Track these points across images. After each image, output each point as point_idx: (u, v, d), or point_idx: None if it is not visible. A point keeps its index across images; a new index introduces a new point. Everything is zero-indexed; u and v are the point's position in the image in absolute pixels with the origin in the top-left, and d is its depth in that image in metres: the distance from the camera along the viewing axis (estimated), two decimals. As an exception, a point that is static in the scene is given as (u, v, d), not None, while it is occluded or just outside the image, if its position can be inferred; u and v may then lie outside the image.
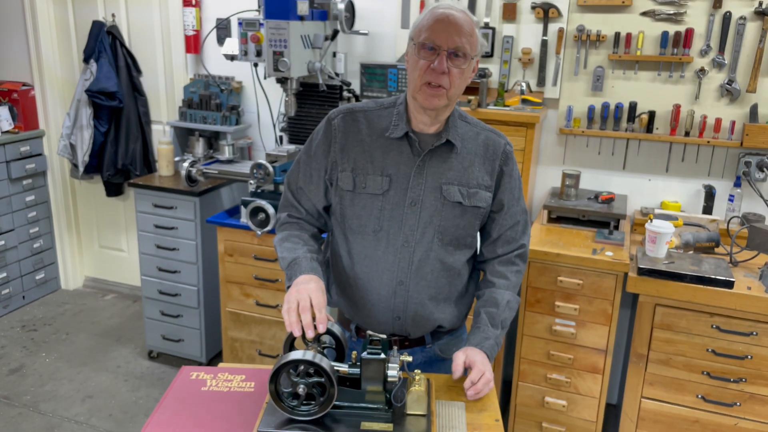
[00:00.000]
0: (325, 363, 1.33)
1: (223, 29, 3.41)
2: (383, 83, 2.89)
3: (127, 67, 3.78)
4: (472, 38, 1.49)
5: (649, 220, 2.43)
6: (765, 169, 2.67)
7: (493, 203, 1.66)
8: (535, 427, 2.72)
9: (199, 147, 3.43)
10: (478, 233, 1.71)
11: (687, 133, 2.73)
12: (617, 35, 2.73)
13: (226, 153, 3.23)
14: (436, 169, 1.59)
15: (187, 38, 3.53)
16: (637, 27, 2.71)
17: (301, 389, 1.35)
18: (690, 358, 2.35)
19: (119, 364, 3.52)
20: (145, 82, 3.87)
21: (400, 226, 1.59)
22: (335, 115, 1.65)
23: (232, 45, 2.95)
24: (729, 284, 2.23)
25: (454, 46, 1.47)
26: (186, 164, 3.08)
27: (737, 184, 2.71)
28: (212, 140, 3.50)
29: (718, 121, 2.68)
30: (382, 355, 1.38)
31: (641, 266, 2.32)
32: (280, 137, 3.25)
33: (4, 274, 4.00)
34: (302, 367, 1.35)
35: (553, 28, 2.83)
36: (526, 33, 2.89)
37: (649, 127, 2.77)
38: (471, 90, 2.93)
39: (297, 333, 1.41)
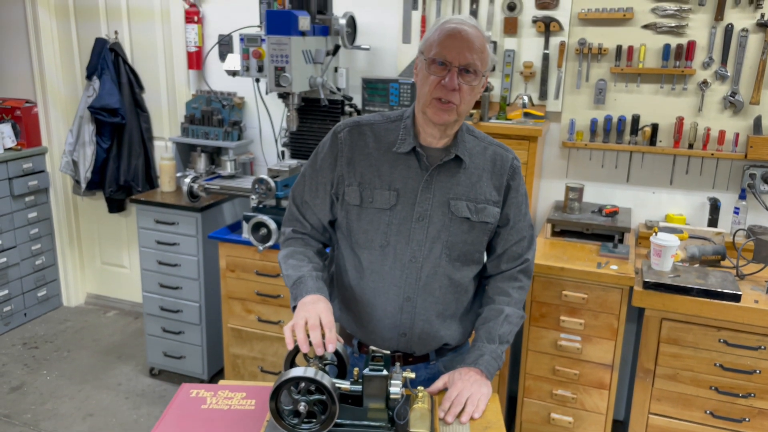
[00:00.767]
0: (326, 380, 1.31)
1: (225, 45, 3.42)
2: (385, 98, 2.88)
3: (130, 83, 3.79)
4: (483, 54, 1.48)
5: (654, 234, 2.41)
6: (770, 181, 2.66)
7: (499, 218, 1.64)
8: (541, 444, 2.69)
9: (201, 163, 3.43)
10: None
11: (691, 146, 2.71)
12: (619, 48, 2.73)
13: (228, 168, 3.23)
14: (444, 184, 1.57)
15: (189, 54, 3.54)
16: (639, 40, 2.71)
17: (302, 407, 1.33)
18: (697, 373, 2.32)
19: (120, 381, 3.49)
20: (148, 99, 3.88)
21: (407, 241, 1.57)
22: (341, 129, 1.63)
23: (234, 61, 2.95)
24: (736, 297, 2.21)
25: (465, 63, 1.45)
26: (188, 180, 3.07)
27: (742, 197, 2.69)
28: (214, 156, 3.50)
29: (722, 133, 2.67)
30: (385, 372, 1.36)
31: (647, 280, 2.30)
32: (282, 152, 3.24)
33: (6, 291, 3.98)
34: (303, 385, 1.33)
35: (554, 41, 2.83)
36: (528, 46, 2.89)
37: (653, 140, 2.76)
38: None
39: (306, 350, 1.38)
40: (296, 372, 1.31)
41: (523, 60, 2.90)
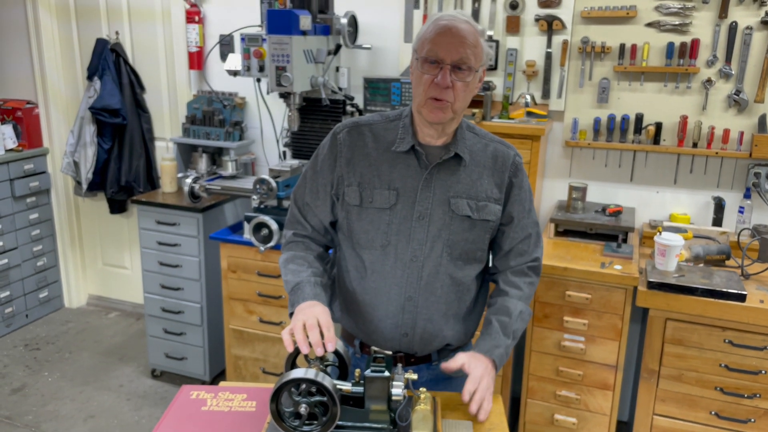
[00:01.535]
0: (327, 381, 1.29)
1: (226, 45, 3.41)
2: (386, 97, 2.87)
3: (131, 84, 3.79)
4: (476, 49, 1.45)
5: (658, 233, 2.39)
6: (775, 180, 2.64)
7: (502, 216, 1.62)
8: (544, 445, 2.67)
9: (203, 163, 3.41)
10: (488, 247, 1.68)
11: (695, 145, 2.69)
12: (622, 46, 2.71)
13: (229, 169, 3.22)
14: (444, 182, 1.56)
15: (191, 55, 3.53)
16: (642, 38, 2.69)
17: (303, 409, 1.31)
18: (702, 374, 2.30)
19: (122, 383, 3.48)
20: (149, 99, 3.88)
21: (408, 240, 1.56)
22: (340, 130, 1.62)
23: (235, 60, 2.94)
24: (741, 297, 2.19)
25: (457, 59, 1.43)
26: (189, 180, 3.06)
27: (747, 196, 2.67)
28: (215, 156, 3.49)
29: (726, 131, 2.65)
30: (387, 373, 1.34)
31: (651, 280, 2.28)
32: (284, 152, 3.23)
33: (8, 293, 3.98)
34: (304, 386, 1.31)
35: (557, 40, 2.82)
36: (530, 45, 2.87)
37: (656, 139, 2.74)
38: (475, 103, 2.92)
39: (306, 350, 1.37)
40: (297, 373, 1.30)
41: (526, 59, 2.88)
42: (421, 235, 1.56)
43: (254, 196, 2.81)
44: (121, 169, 3.84)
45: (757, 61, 2.57)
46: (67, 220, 4.25)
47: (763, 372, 2.22)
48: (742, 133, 2.63)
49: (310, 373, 1.30)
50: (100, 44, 3.75)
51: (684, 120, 2.69)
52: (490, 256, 1.71)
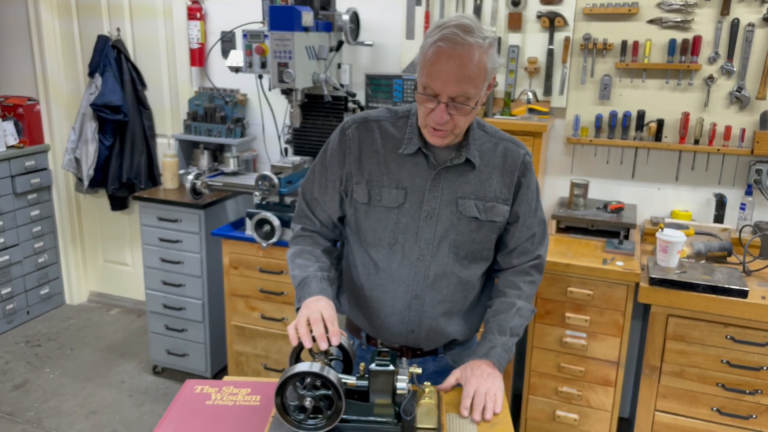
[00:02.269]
0: (332, 375, 1.30)
1: (227, 42, 3.41)
2: (388, 94, 2.87)
3: (132, 81, 3.78)
4: (477, 78, 1.38)
5: (659, 230, 2.39)
6: (776, 177, 2.64)
7: (510, 215, 1.62)
8: (546, 441, 2.67)
9: (204, 160, 3.41)
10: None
11: (696, 141, 2.70)
12: (624, 43, 2.71)
13: (231, 165, 3.22)
14: (453, 183, 1.55)
15: (192, 51, 3.53)
16: (644, 35, 2.69)
17: (308, 402, 1.31)
18: (704, 370, 2.30)
19: (123, 379, 3.48)
20: (150, 96, 3.88)
21: (415, 239, 1.56)
22: (349, 125, 1.61)
23: (237, 57, 2.94)
24: (743, 294, 2.19)
25: (453, 95, 1.38)
26: (191, 177, 3.06)
27: (748, 192, 2.67)
28: (217, 153, 3.49)
29: (728, 128, 2.65)
30: (391, 367, 1.35)
31: (653, 276, 2.28)
32: (285, 149, 3.23)
33: (9, 289, 3.98)
34: (309, 380, 1.32)
35: (559, 36, 2.82)
36: (532, 42, 2.87)
37: (658, 136, 2.74)
38: (477, 100, 2.92)
39: (309, 344, 1.37)
40: (302, 367, 1.30)
41: (528, 55, 2.88)
42: (428, 234, 1.56)
43: (256, 193, 2.81)
44: (122, 165, 3.84)
45: (758, 58, 2.57)
46: (69, 216, 4.25)
47: (765, 368, 2.23)
48: (743, 130, 2.64)
49: (315, 366, 1.30)
50: (102, 41, 3.74)
51: (686, 117, 2.69)
52: (497, 253, 1.71)
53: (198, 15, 3.45)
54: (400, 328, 1.61)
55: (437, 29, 1.39)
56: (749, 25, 2.55)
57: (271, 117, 3.36)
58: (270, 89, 2.80)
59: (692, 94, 2.69)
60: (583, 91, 2.83)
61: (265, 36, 2.71)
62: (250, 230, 2.81)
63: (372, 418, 1.36)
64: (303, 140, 3.09)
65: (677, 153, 2.79)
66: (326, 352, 1.43)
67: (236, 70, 2.95)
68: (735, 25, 2.56)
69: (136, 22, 3.82)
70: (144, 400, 3.29)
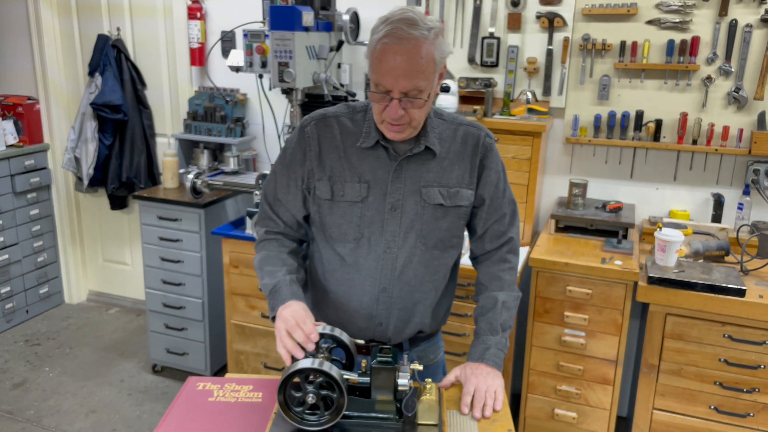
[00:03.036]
0: (334, 371, 1.31)
1: (227, 41, 3.42)
2: (388, 94, 2.87)
3: (132, 80, 3.79)
4: (426, 70, 1.38)
5: (658, 229, 2.41)
6: (774, 177, 2.66)
7: (475, 198, 1.61)
8: (544, 439, 2.68)
9: (204, 159, 3.42)
10: (466, 231, 1.68)
11: (694, 142, 2.71)
12: (623, 44, 2.73)
13: (231, 165, 3.23)
14: (415, 172, 1.55)
15: (192, 51, 3.53)
16: (643, 35, 2.70)
17: (310, 399, 1.32)
18: (702, 369, 2.32)
19: (123, 378, 3.49)
20: (150, 95, 3.88)
21: (381, 232, 1.56)
22: (308, 122, 1.60)
23: (237, 56, 2.95)
24: (740, 293, 2.20)
25: (404, 90, 1.38)
26: (191, 176, 3.07)
27: (746, 192, 2.69)
28: (217, 152, 3.50)
29: (726, 128, 2.66)
30: (393, 364, 1.36)
31: (651, 275, 2.30)
32: (285, 148, 3.23)
33: (8, 288, 3.98)
34: (311, 376, 1.33)
35: (558, 37, 2.83)
36: (531, 42, 2.88)
37: (656, 136, 2.76)
38: (476, 99, 2.94)
39: (300, 355, 1.37)
40: (304, 363, 1.31)
41: (527, 56, 2.89)
42: (393, 226, 1.55)
43: (256, 192, 2.82)
44: (122, 165, 3.85)
45: (756, 58, 2.59)
46: (68, 216, 4.25)
47: (762, 367, 2.24)
48: (741, 130, 2.65)
49: (318, 363, 1.31)
50: (102, 40, 3.75)
51: (684, 117, 2.70)
52: (467, 240, 1.71)
53: (198, 14, 3.46)
54: (368, 321, 1.61)
55: (382, 25, 1.39)
56: (747, 26, 2.56)
57: (271, 116, 3.37)
58: (270, 89, 2.81)
59: (690, 94, 2.71)
60: (582, 92, 2.85)
61: (266, 36, 2.72)
62: (250, 229, 2.82)
63: (373, 414, 1.38)
64: (303, 140, 3.09)
65: (675, 153, 2.81)
66: (328, 349, 1.44)
67: (236, 69, 2.96)
68: (733, 25, 2.58)
69: (136, 21, 3.82)
70: (143, 399, 3.30)
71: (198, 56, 3.54)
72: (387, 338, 1.64)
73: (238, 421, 1.42)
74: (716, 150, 2.68)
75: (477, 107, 2.78)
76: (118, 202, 4.06)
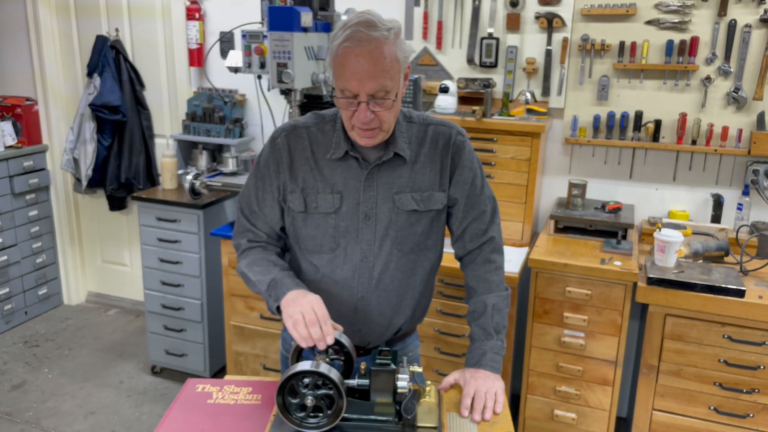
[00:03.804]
0: (334, 374, 1.30)
1: (226, 42, 3.41)
2: (387, 94, 2.87)
3: (131, 81, 3.79)
4: (391, 70, 1.37)
5: (657, 230, 2.40)
6: (773, 177, 2.65)
7: (449, 199, 1.60)
8: (544, 440, 2.68)
9: (203, 160, 3.42)
10: (446, 229, 1.67)
11: (694, 142, 2.71)
12: (622, 44, 2.73)
13: (230, 165, 3.22)
14: (386, 180, 1.54)
15: (191, 52, 3.53)
16: (642, 36, 2.70)
17: (309, 401, 1.32)
18: (701, 369, 2.32)
19: (122, 379, 3.48)
20: (149, 96, 3.88)
21: (356, 241, 1.55)
22: (278, 134, 1.58)
23: (236, 57, 2.94)
24: (740, 293, 2.20)
25: (371, 92, 1.37)
26: (189, 177, 3.07)
27: (746, 193, 2.69)
28: (216, 153, 3.49)
29: (725, 129, 2.66)
30: (392, 366, 1.35)
31: (650, 276, 2.30)
32: (284, 149, 3.23)
33: (7, 290, 3.98)
34: (310, 379, 1.32)
35: (557, 37, 2.83)
36: (530, 43, 2.88)
37: (656, 136, 2.76)
38: (475, 100, 2.94)
39: (307, 345, 1.36)
40: (304, 366, 1.31)
41: (526, 56, 2.89)
42: (368, 235, 1.54)
43: (255, 193, 2.81)
44: (120, 166, 3.84)
45: (755, 58, 2.59)
46: (67, 217, 4.25)
47: (762, 367, 2.24)
48: (740, 131, 2.65)
49: (317, 365, 1.31)
50: (100, 41, 3.75)
51: (683, 117, 2.70)
52: (450, 239, 1.69)
53: (197, 15, 3.46)
54: (347, 328, 1.57)
55: (341, 30, 1.39)
56: (746, 26, 2.56)
57: (269, 117, 3.37)
58: (269, 89, 2.81)
59: (689, 94, 2.70)
60: (581, 92, 2.84)
61: (264, 36, 2.72)
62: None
63: (373, 417, 1.37)
64: (302, 140, 3.09)
65: (675, 153, 2.81)
66: (327, 351, 1.43)
67: (235, 70, 2.95)
68: (732, 26, 2.57)
69: (134, 22, 3.82)
70: (143, 400, 3.29)
71: (197, 57, 3.53)
72: (366, 342, 1.64)
73: (237, 424, 1.42)
74: (715, 150, 2.68)
75: (476, 108, 2.78)
76: (116, 203, 4.05)
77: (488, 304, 1.61)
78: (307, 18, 2.67)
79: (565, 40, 2.81)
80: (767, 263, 2.41)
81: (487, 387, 1.49)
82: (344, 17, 2.89)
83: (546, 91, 2.89)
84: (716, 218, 2.75)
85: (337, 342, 1.43)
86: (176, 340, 3.39)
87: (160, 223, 3.25)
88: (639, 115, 2.77)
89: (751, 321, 2.21)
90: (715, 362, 2.29)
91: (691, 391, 2.35)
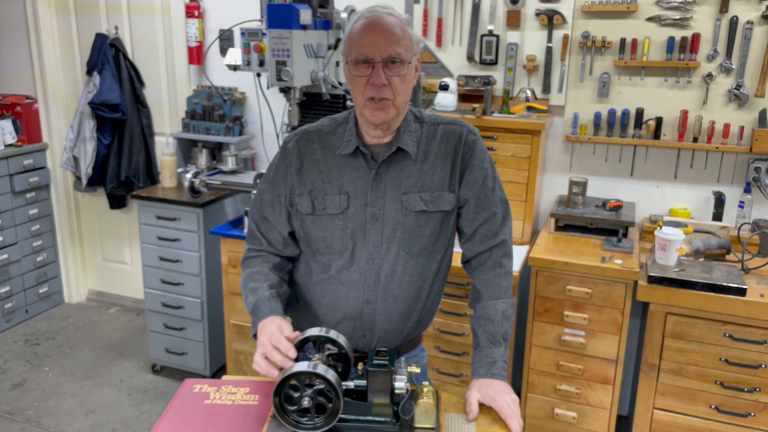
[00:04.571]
0: (330, 375, 1.30)
1: (225, 40, 3.40)
2: (387, 92, 2.85)
3: (130, 79, 3.78)
4: (405, 40, 1.43)
5: (658, 228, 2.39)
6: (775, 175, 2.64)
7: (459, 199, 1.58)
8: (544, 439, 2.68)
9: (203, 158, 3.41)
10: (456, 231, 1.65)
11: (695, 139, 2.70)
12: (623, 41, 2.71)
13: (230, 164, 3.21)
14: (394, 180, 1.53)
15: (190, 49, 3.52)
16: (643, 32, 2.69)
17: (306, 402, 1.31)
18: (702, 368, 2.31)
19: (122, 378, 3.48)
20: (148, 94, 3.87)
21: (363, 243, 1.54)
22: (290, 139, 1.60)
23: (235, 55, 2.94)
24: (741, 292, 2.19)
25: (387, 55, 1.41)
26: (189, 175, 3.06)
27: (747, 190, 2.68)
28: (215, 151, 3.49)
29: (727, 126, 2.65)
30: (390, 367, 1.35)
31: (651, 274, 2.28)
32: (284, 147, 3.22)
33: (8, 288, 3.98)
34: (307, 379, 1.31)
35: (557, 34, 2.81)
36: (531, 40, 2.87)
37: (657, 134, 2.74)
38: (475, 98, 2.93)
39: (275, 374, 1.36)
40: (300, 366, 1.30)
41: (526, 53, 2.88)
42: (375, 236, 1.53)
43: (254, 191, 2.81)
44: (120, 164, 3.84)
45: (757, 55, 2.57)
46: (67, 215, 4.25)
47: (763, 366, 2.23)
48: (742, 128, 2.64)
49: (314, 366, 1.30)
50: (100, 39, 3.74)
51: (684, 115, 2.69)
52: (458, 239, 1.67)
53: (196, 13, 3.45)
54: (351, 334, 1.58)
55: (357, 14, 1.47)
56: (748, 22, 2.54)
57: (269, 115, 3.36)
58: (268, 87, 2.79)
59: (691, 91, 2.69)
60: (582, 89, 2.83)
61: (263, 34, 2.71)
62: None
63: (370, 418, 1.37)
64: (301, 138, 3.08)
65: (676, 151, 2.79)
66: (324, 351, 1.43)
67: (234, 68, 2.94)
68: (734, 22, 2.56)
69: (134, 20, 3.81)
70: (143, 398, 3.29)
71: (196, 55, 3.53)
72: (371, 349, 1.61)
73: (235, 424, 1.41)
74: (717, 148, 2.66)
75: (476, 105, 2.77)
76: (117, 202, 4.05)
77: (498, 311, 1.58)
78: (306, 15, 2.66)
79: (565, 37, 2.79)
80: (769, 261, 2.40)
81: (511, 398, 1.47)
82: (344, 15, 2.89)
83: (546, 89, 2.88)
84: (718, 216, 2.73)
85: (335, 343, 1.42)
86: (176, 339, 3.39)
87: (160, 222, 3.25)
88: (640, 113, 2.75)
89: (752, 320, 2.20)
90: (716, 361, 2.28)
91: (692, 389, 2.34)
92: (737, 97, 2.62)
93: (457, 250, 1.69)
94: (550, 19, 2.79)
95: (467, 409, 1.46)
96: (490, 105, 2.79)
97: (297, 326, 1.60)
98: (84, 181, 3.89)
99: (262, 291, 1.55)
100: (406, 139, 1.52)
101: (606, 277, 2.40)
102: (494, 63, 2.92)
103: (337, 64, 3.08)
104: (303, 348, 1.43)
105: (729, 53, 2.60)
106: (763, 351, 2.22)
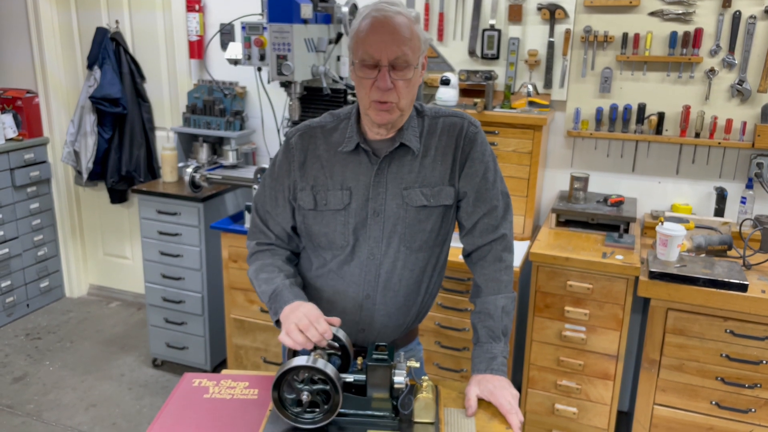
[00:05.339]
0: (329, 369, 1.29)
1: (226, 34, 3.38)
2: (388, 87, 2.85)
3: (131, 73, 3.77)
4: (412, 42, 1.41)
5: (659, 223, 2.39)
6: (777, 171, 2.63)
7: (458, 193, 1.57)
8: (545, 434, 2.67)
9: (203, 153, 3.40)
10: (455, 226, 1.64)
11: (697, 135, 2.68)
12: (625, 36, 2.70)
13: (230, 158, 3.21)
14: (396, 175, 1.52)
15: (191, 44, 3.51)
16: (645, 27, 2.67)
17: (305, 396, 1.31)
18: (703, 364, 2.30)
19: (123, 372, 3.49)
20: (149, 89, 3.86)
21: (365, 238, 1.54)
22: (293, 134, 1.59)
23: (236, 49, 2.93)
24: (743, 287, 2.18)
25: (394, 57, 1.39)
26: (190, 170, 3.06)
27: (749, 186, 2.67)
28: (216, 146, 3.48)
29: (729, 121, 2.64)
30: (389, 361, 1.34)
31: (652, 270, 2.28)
32: (285, 142, 3.21)
33: (9, 282, 3.98)
34: (306, 374, 1.31)
35: (559, 29, 2.80)
36: (533, 34, 2.85)
37: (659, 129, 2.73)
38: (477, 93, 2.92)
39: (309, 346, 1.36)
40: (299, 361, 1.30)
41: (528, 48, 2.87)
42: (376, 232, 1.53)
43: (255, 186, 2.80)
44: (121, 158, 3.84)
45: (760, 50, 2.56)
46: (68, 209, 4.25)
47: (764, 362, 2.22)
48: (744, 123, 2.62)
49: (313, 360, 1.30)
50: (100, 33, 3.73)
51: (686, 110, 2.68)
52: (458, 233, 1.66)
53: (197, 7, 3.44)
54: (350, 328, 1.57)
55: (365, 10, 1.44)
56: (751, 17, 2.53)
57: (270, 110, 3.35)
58: (269, 82, 2.79)
59: (693, 87, 2.68)
60: (584, 84, 2.82)
61: (264, 28, 2.70)
62: (248, 223, 2.80)
63: (369, 412, 1.36)
64: (302, 133, 3.07)
65: (678, 146, 2.78)
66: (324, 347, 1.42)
67: (235, 62, 2.93)
68: (736, 17, 2.54)
69: (134, 14, 3.80)
70: (144, 393, 3.30)
71: (197, 49, 3.52)
72: (369, 343, 1.61)
73: (234, 419, 1.41)
74: (719, 143, 2.65)
75: (477, 100, 2.76)
76: (117, 196, 4.05)
77: (498, 305, 1.57)
78: (307, 9, 2.65)
79: (567, 31, 2.78)
80: (770, 257, 2.39)
81: (511, 394, 1.46)
82: (344, 9, 2.88)
83: (548, 84, 2.87)
84: (719, 212, 2.72)
85: (334, 337, 1.42)
86: (177, 333, 3.39)
87: (161, 216, 3.25)
88: (642, 108, 2.74)
89: (753, 315, 2.19)
90: (717, 357, 2.28)
91: (692, 385, 2.33)
92: (740, 92, 2.60)
93: (457, 244, 1.68)
94: (552, 14, 2.78)
95: (466, 404, 1.46)
96: (491, 100, 2.78)
97: None
98: (85, 176, 3.89)
99: (279, 280, 1.54)
100: (409, 135, 1.52)
101: (607, 272, 2.40)
102: (496, 58, 2.91)
103: (338, 58, 3.07)
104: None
105: (732, 48, 2.58)
106: (764, 347, 2.21)
